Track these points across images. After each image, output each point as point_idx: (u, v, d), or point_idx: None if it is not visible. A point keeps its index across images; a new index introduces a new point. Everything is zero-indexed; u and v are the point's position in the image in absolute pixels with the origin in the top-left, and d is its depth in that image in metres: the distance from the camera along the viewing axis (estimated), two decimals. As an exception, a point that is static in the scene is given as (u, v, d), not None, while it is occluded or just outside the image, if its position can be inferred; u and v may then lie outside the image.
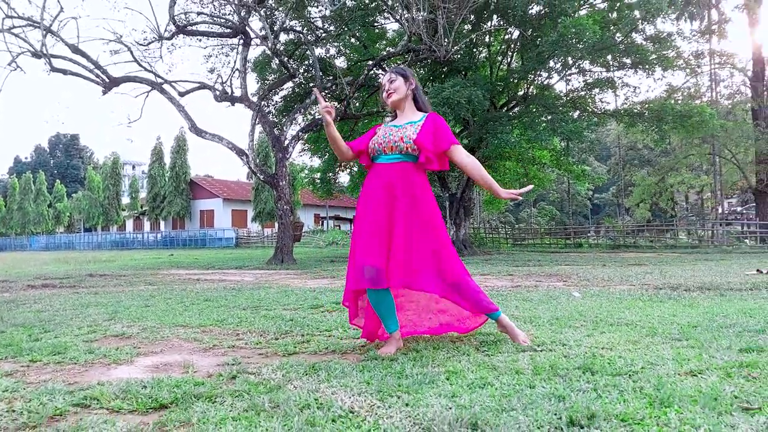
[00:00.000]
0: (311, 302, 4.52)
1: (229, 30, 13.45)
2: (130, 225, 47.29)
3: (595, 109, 16.51)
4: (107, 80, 13.10)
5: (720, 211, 26.40)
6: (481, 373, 2.07)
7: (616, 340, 2.62)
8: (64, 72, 12.87)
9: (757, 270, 7.13)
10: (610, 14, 14.72)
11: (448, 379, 2.01)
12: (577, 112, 16.20)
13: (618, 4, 14.60)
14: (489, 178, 2.69)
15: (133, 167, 75.87)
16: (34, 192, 51.09)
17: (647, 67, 14.88)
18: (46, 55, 12.28)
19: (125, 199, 48.20)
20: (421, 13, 11.76)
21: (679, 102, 18.37)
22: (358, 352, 2.61)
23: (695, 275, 6.68)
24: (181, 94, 13.94)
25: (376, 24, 15.76)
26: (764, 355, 2.22)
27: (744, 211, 30.86)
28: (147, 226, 44.45)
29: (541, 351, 2.42)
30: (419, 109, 2.76)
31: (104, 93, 13.29)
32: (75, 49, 12.54)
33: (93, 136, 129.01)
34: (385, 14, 14.95)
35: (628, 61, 14.90)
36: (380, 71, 16.44)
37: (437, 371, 2.12)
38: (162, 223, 42.47)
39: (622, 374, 1.97)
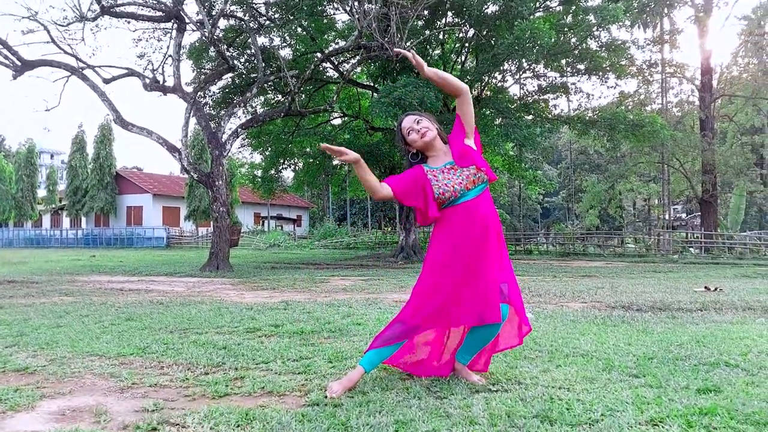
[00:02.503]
0: (247, 324, 4.17)
1: (161, 13, 12.57)
2: (47, 221, 43.73)
3: (548, 115, 16.40)
4: (18, 63, 11.92)
5: (666, 217, 27.06)
6: (434, 423, 1.91)
7: (573, 376, 2.54)
8: (-36, 52, 11.59)
9: (705, 287, 7.12)
10: (565, 17, 14.57)
11: (397, 432, 1.84)
12: (531, 117, 16.01)
13: (573, 8, 14.48)
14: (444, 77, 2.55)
15: (52, 156, 70.43)
16: (-67, 182, 46.10)
17: (601, 73, 14.89)
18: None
19: (42, 192, 44.50)
20: (374, 5, 11.48)
21: (630, 109, 18.43)
22: (298, 394, 2.37)
23: (645, 291, 6.66)
24: (106, 81, 12.86)
25: (325, 14, 15.16)
26: (721, 397, 2.20)
27: (688, 220, 32.40)
28: (66, 222, 41.32)
29: (496, 392, 2.30)
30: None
31: (15, 77, 12.06)
32: (-20, 27, 11.34)
33: (4, 120, 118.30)
34: (335, 4, 14.40)
35: (582, 67, 14.83)
36: (329, 65, 15.92)
37: (386, 421, 1.94)
38: (83, 220, 39.60)
39: (581, 423, 1.88)
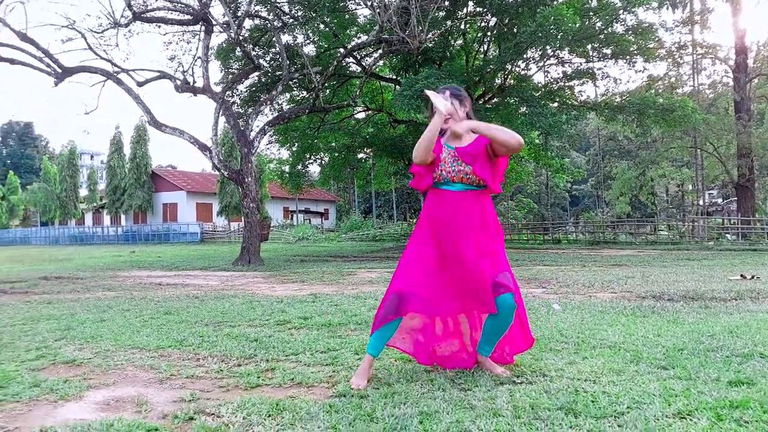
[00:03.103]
0: (278, 317, 4.28)
1: (189, 17, 12.88)
2: (89, 219, 45.50)
3: (574, 101, 16.09)
4: (59, 70, 12.40)
5: (701, 203, 26.45)
6: (457, 414, 1.94)
7: (600, 368, 2.49)
8: (12, 61, 12.07)
9: (741, 275, 6.86)
10: (590, 1, 14.27)
11: (421, 423, 1.88)
12: (556, 104, 15.77)
13: None
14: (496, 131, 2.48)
15: (92, 157, 73.01)
16: (-15, 183, 48.48)
17: (628, 57, 14.54)
18: (-9, 43, 11.52)
19: (83, 191, 46.31)
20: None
21: (660, 92, 18.19)
22: (326, 385, 2.44)
23: (678, 280, 6.40)
24: (140, 84, 13.28)
25: (346, 10, 15.24)
26: (754, 390, 2.12)
27: (724, 205, 31.30)
28: (107, 219, 42.88)
29: (520, 384, 2.29)
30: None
31: (56, 84, 12.55)
32: (23, 37, 11.76)
33: (48, 124, 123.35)
34: (356, 0, 14.57)
35: (609, 51, 14.53)
36: (351, 60, 15.99)
37: (410, 412, 1.98)
38: (123, 217, 41.04)
39: (606, 416, 1.86)
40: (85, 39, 12.55)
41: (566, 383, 2.27)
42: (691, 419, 1.83)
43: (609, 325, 3.57)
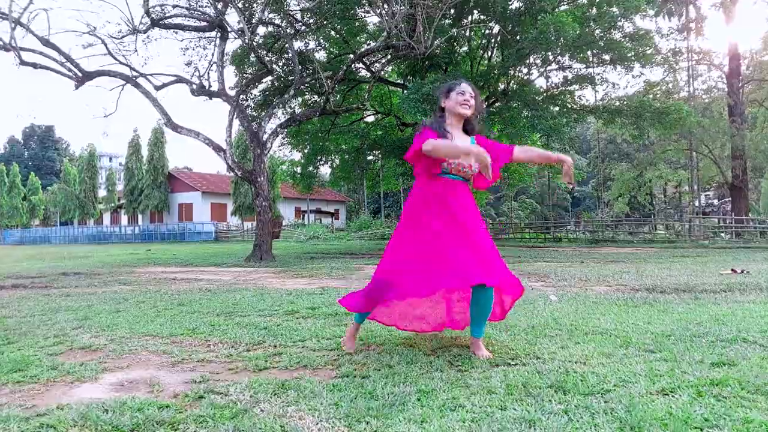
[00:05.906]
0: (287, 307, 4.41)
1: (205, 23, 13.16)
2: (107, 218, 46.39)
3: (574, 106, 16.66)
4: (80, 74, 12.71)
5: (697, 204, 27.17)
6: (453, 392, 2.03)
7: (590, 352, 2.61)
8: (34, 66, 12.42)
9: (732, 269, 7.20)
10: (590, 10, 14.82)
11: (419, 400, 1.97)
12: (557, 108, 16.34)
13: (597, 0, 14.68)
14: (539, 152, 2.93)
15: (110, 159, 74.38)
16: (8, 184, 49.65)
17: (626, 63, 15.06)
18: (14, 48, 11.83)
19: (102, 192, 47.23)
20: (401, 7, 11.63)
21: (657, 97, 18.76)
22: (330, 367, 2.54)
23: (671, 275, 6.68)
24: (157, 88, 13.60)
25: (356, 17, 15.61)
26: (735, 370, 2.23)
27: (720, 206, 31.86)
28: (125, 219, 43.66)
29: (514, 366, 2.40)
30: (465, 130, 2.82)
31: (77, 87, 12.90)
32: (46, 42, 12.12)
33: (68, 127, 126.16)
34: (366, 8, 14.81)
35: (607, 57, 15.08)
36: (361, 66, 16.28)
37: (409, 391, 2.07)
38: (140, 217, 41.77)
39: (594, 393, 1.97)
40: (106, 45, 12.86)
41: (558, 365, 2.39)
42: (673, 395, 1.94)
43: (602, 314, 3.73)
